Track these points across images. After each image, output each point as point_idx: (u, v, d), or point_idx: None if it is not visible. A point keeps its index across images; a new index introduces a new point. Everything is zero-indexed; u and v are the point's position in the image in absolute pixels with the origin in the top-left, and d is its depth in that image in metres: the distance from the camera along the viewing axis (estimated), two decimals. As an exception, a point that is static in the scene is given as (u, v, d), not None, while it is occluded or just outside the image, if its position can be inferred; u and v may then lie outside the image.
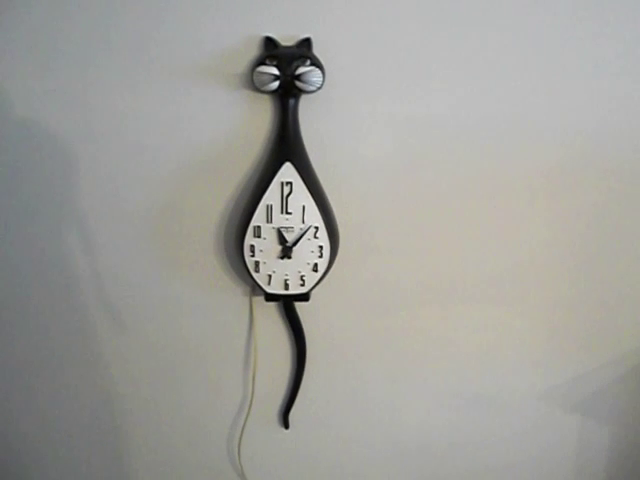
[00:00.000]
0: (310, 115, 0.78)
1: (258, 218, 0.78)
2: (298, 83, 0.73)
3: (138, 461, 1.02)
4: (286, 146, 0.77)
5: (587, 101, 0.80)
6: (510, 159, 0.83)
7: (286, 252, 0.80)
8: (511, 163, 0.83)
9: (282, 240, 0.79)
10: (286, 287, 0.83)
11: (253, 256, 0.81)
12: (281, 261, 0.81)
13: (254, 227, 0.79)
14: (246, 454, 1.01)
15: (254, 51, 0.76)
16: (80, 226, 0.86)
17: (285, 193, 0.77)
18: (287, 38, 0.75)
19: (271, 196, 0.77)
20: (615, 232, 0.88)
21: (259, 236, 0.79)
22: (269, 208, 0.78)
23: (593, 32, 0.77)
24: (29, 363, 0.94)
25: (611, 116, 0.81)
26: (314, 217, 0.79)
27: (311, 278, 0.82)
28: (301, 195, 0.77)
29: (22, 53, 0.76)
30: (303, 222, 0.79)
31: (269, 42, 0.75)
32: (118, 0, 0.75)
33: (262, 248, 0.80)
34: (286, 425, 0.98)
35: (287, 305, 0.89)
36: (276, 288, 0.83)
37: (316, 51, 0.75)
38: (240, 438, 0.98)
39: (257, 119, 0.79)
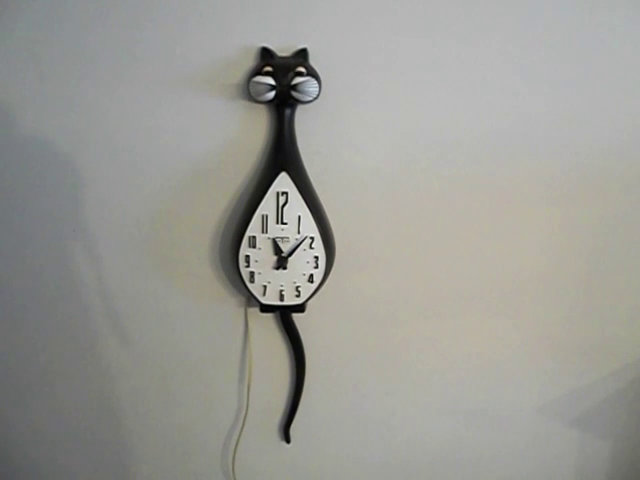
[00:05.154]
0: (306, 125, 0.78)
1: (253, 228, 0.78)
2: (294, 93, 0.73)
3: (133, 471, 1.01)
4: (282, 156, 0.77)
5: (586, 110, 0.80)
6: (507, 170, 0.83)
7: (281, 262, 0.79)
8: (508, 174, 0.83)
9: (277, 250, 0.79)
10: (281, 298, 0.82)
11: (248, 266, 0.80)
12: (276, 272, 0.80)
13: (249, 237, 0.78)
14: (241, 467, 0.99)
15: (250, 61, 0.76)
16: (75, 237, 0.85)
17: (281, 203, 0.77)
18: (283, 48, 0.75)
19: (266, 206, 0.77)
20: (614, 244, 0.87)
21: (254, 246, 0.79)
22: (264, 218, 0.77)
23: (594, 41, 0.77)
24: (26, 375, 0.94)
25: (610, 127, 0.81)
26: (310, 227, 0.78)
27: (307, 289, 0.82)
28: (297, 205, 0.77)
29: (18, 60, 0.76)
30: (299, 232, 0.78)
31: (265, 52, 0.75)
32: (113, 10, 0.75)
33: (257, 258, 0.80)
34: (287, 439, 0.97)
35: (284, 316, 0.88)
36: (271, 299, 0.82)
37: (312, 61, 0.75)
38: (235, 451, 0.97)
39: (253, 129, 0.79)
